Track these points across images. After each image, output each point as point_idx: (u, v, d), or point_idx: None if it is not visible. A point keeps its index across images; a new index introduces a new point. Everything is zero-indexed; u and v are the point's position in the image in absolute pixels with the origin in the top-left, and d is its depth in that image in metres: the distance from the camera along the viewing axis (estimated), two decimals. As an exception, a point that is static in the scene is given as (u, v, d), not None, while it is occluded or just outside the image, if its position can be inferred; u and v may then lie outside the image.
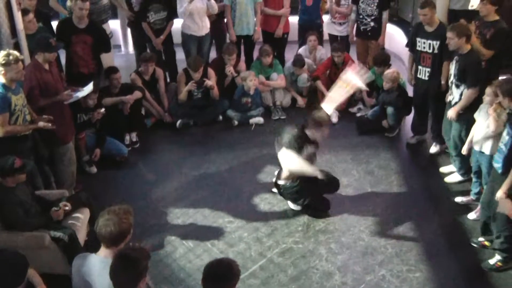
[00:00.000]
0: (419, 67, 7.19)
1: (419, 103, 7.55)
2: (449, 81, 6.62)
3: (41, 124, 5.74)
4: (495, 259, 5.53)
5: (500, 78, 5.47)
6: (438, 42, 6.79)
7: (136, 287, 3.36)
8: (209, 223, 6.29)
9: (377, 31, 8.72)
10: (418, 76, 7.24)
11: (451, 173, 6.94)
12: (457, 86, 6.43)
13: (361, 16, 8.71)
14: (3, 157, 5.18)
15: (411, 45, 7.33)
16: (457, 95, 6.46)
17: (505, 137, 5.18)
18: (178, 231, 6.14)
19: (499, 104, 5.37)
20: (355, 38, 9.11)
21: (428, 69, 7.05)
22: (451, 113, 6.44)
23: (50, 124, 5.74)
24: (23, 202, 5.29)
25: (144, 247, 3.63)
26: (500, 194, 5.14)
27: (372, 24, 8.68)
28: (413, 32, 7.34)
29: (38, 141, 5.97)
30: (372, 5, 8.55)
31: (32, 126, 5.74)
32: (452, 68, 6.49)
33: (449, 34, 6.32)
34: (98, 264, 3.75)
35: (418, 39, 7.11)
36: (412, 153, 7.70)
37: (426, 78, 7.11)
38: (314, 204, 6.26)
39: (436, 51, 6.91)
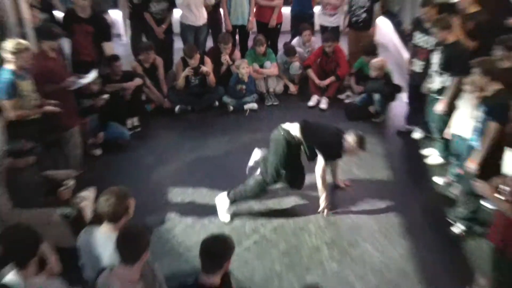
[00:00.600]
0: (414, 59, 7.20)
1: (413, 94, 7.54)
2: (430, 69, 6.68)
3: (48, 108, 5.85)
4: (458, 228, 5.78)
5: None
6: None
7: (139, 260, 3.55)
8: (206, 201, 6.41)
9: (369, 22, 8.76)
10: (412, 68, 7.25)
11: (432, 155, 7.10)
12: (440, 74, 6.49)
13: (353, 8, 8.73)
14: (13, 141, 5.38)
15: (410, 38, 7.33)
16: (437, 83, 6.54)
17: (479, 114, 5.31)
18: (177, 209, 6.28)
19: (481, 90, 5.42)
20: (347, 29, 9.12)
21: (422, 63, 7.03)
22: (440, 106, 6.43)
23: (57, 108, 5.85)
24: (32, 182, 5.43)
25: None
26: (471, 164, 5.30)
27: (364, 15, 8.71)
28: (413, 25, 7.34)
29: (46, 125, 6.08)
30: None
31: (40, 110, 5.86)
32: (435, 57, 6.54)
33: (433, 30, 6.40)
34: (101, 238, 3.97)
35: (416, 33, 7.11)
36: (396, 138, 7.81)
37: (420, 71, 7.08)
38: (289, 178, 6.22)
39: (432, 47, 6.83)
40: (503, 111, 5.16)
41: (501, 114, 5.15)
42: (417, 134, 7.63)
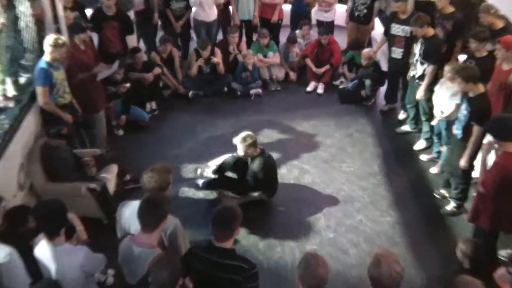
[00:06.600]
0: (393, 48, 7.03)
1: (392, 77, 7.43)
2: (414, 59, 6.51)
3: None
4: (450, 206, 5.57)
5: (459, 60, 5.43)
6: (410, 28, 6.53)
7: (158, 227, 3.29)
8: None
9: (369, 17, 8.49)
10: (392, 56, 7.08)
11: (418, 143, 6.77)
12: (422, 63, 6.33)
13: (356, 4, 8.47)
14: (56, 124, 5.27)
15: (387, 30, 7.17)
16: (420, 71, 6.37)
17: (463, 110, 5.17)
18: (191, 183, 6.04)
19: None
20: (349, 22, 8.81)
21: (401, 50, 6.90)
22: (420, 93, 6.30)
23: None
24: (64, 159, 5.29)
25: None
26: (462, 163, 5.15)
27: (365, 11, 8.43)
28: (389, 19, 7.19)
29: (76, 110, 5.91)
30: None
31: (62, 114, 5.59)
32: (417, 48, 6.38)
33: (413, 28, 6.29)
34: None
35: (393, 24, 6.95)
36: (384, 119, 7.56)
37: (400, 57, 6.96)
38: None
39: (408, 34, 6.75)
40: (484, 117, 4.91)
41: (482, 120, 4.88)
42: (403, 115, 7.37)
